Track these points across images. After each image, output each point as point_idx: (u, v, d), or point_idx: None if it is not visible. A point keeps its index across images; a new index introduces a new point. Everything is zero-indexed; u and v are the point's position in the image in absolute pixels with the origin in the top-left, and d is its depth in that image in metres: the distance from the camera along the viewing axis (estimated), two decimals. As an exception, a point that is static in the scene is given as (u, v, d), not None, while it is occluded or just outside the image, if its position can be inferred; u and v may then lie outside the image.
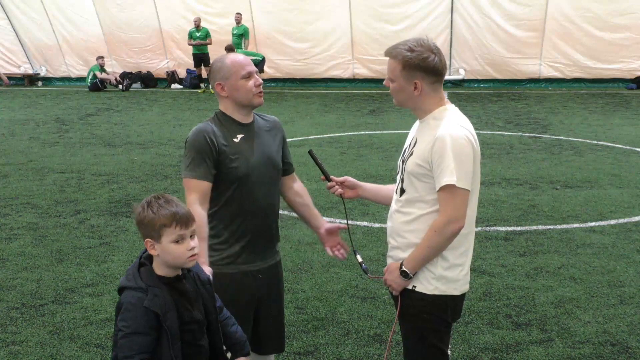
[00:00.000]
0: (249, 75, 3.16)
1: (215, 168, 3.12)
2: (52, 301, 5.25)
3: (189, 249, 2.53)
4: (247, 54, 18.39)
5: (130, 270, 2.57)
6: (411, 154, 2.90)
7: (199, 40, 19.53)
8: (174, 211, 2.52)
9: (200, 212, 3.10)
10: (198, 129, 3.16)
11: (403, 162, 2.98)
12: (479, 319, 4.84)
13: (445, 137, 2.77)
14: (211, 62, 3.31)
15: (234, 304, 3.14)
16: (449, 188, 2.76)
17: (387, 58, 2.92)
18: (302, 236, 6.64)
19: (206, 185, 3.12)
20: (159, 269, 2.57)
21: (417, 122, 3.02)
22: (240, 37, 19.22)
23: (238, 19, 19.24)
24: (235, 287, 3.17)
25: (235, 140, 3.17)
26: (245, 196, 3.17)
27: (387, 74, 2.94)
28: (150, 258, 2.60)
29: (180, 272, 2.61)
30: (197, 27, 19.50)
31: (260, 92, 3.19)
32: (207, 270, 3.03)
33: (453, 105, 2.98)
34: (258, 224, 3.23)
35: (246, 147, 3.18)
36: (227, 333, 2.77)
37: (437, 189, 2.80)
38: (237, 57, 3.22)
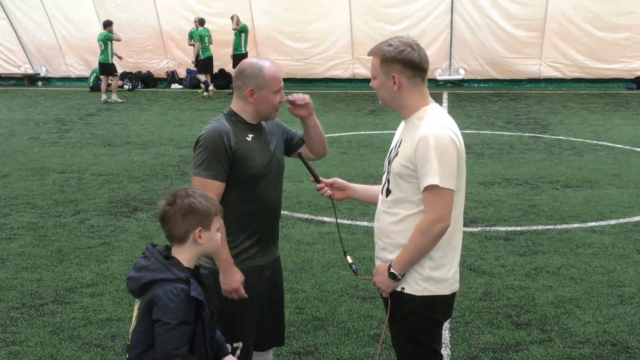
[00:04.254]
0: (279, 91, 3.21)
1: (229, 168, 3.14)
2: (52, 301, 5.25)
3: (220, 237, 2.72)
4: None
5: (154, 263, 2.55)
6: (396, 155, 2.92)
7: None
8: (215, 200, 2.70)
9: None
10: (214, 128, 3.16)
11: (389, 162, 2.99)
12: (479, 319, 4.84)
13: (429, 137, 2.78)
14: (242, 62, 3.31)
15: (243, 299, 3.17)
16: (432, 188, 2.77)
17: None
18: (302, 236, 6.65)
19: (220, 186, 3.14)
20: (186, 261, 2.60)
21: (403, 123, 3.05)
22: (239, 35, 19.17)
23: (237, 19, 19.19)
24: (244, 284, 3.19)
25: (248, 139, 3.20)
26: (257, 194, 3.22)
27: (371, 72, 2.99)
28: (168, 251, 2.62)
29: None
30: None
31: (278, 108, 3.26)
32: (237, 279, 3.14)
33: (437, 105, 3.00)
34: (267, 221, 3.29)
35: (258, 146, 3.23)
36: None
37: (422, 189, 2.81)
38: (275, 70, 3.22)
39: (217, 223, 2.64)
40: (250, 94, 3.18)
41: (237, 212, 3.19)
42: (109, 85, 18.21)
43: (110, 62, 18.11)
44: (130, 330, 2.60)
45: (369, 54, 2.97)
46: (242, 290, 3.15)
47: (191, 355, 2.48)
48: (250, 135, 3.21)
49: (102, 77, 18.38)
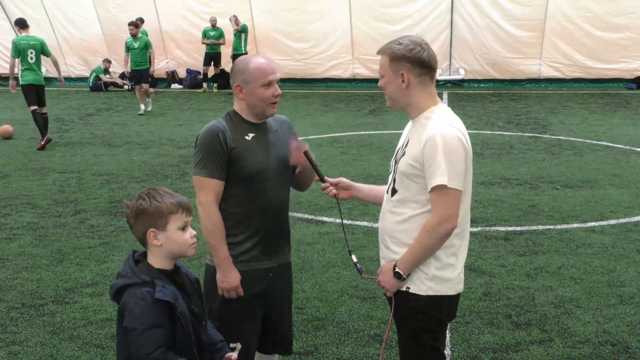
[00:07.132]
0: (269, 84, 3.15)
1: (227, 166, 3.13)
2: (52, 301, 5.25)
3: (192, 236, 2.58)
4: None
5: (125, 269, 2.54)
6: (403, 154, 2.92)
7: (213, 40, 19.63)
8: (178, 199, 2.57)
9: (218, 214, 3.11)
10: (210, 127, 3.17)
11: (395, 162, 2.99)
12: (479, 319, 4.84)
13: (436, 137, 2.78)
14: (236, 59, 3.30)
15: (243, 300, 3.17)
16: (440, 188, 2.77)
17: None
18: (302, 236, 6.64)
19: (219, 184, 3.14)
20: (158, 262, 2.56)
21: (410, 123, 3.04)
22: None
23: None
24: (244, 284, 3.18)
25: (247, 138, 3.18)
26: (257, 194, 3.18)
27: (379, 71, 2.98)
28: (143, 255, 2.59)
29: (174, 266, 2.62)
30: (213, 26, 19.61)
31: (274, 103, 3.19)
32: (235, 277, 3.12)
33: (445, 105, 3.00)
34: (269, 222, 3.24)
35: (258, 145, 3.20)
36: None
37: (429, 189, 2.81)
38: (262, 62, 3.17)
39: (178, 221, 2.54)
40: (238, 90, 3.18)
41: (238, 211, 3.18)
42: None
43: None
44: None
45: (378, 52, 2.95)
46: (241, 289, 3.14)
47: (171, 352, 2.45)
48: (251, 135, 3.19)
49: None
